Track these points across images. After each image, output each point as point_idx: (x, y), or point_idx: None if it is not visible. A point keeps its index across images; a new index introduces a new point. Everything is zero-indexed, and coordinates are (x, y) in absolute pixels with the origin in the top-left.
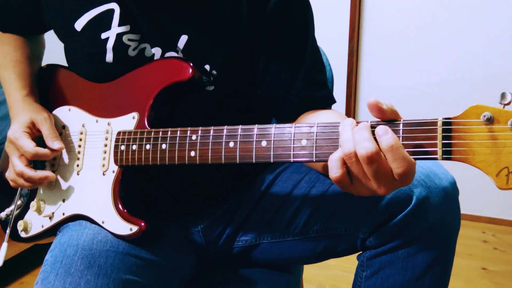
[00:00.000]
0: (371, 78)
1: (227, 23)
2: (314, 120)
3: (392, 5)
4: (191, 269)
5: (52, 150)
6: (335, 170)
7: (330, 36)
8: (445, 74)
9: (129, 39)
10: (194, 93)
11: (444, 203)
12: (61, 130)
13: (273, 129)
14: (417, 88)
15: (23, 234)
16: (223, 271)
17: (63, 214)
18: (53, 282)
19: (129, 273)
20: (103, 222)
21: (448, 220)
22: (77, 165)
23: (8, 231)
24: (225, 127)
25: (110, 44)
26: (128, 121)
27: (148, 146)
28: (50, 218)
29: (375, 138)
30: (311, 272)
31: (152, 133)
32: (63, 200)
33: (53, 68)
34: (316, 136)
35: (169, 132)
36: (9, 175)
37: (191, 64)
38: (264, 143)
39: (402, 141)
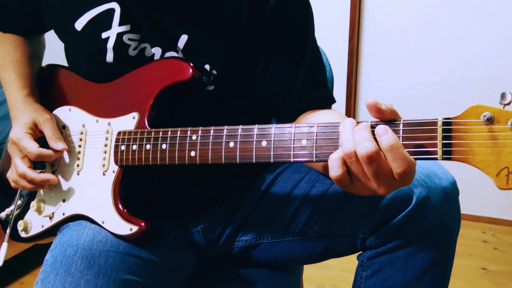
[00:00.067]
0: (371, 78)
1: (227, 23)
2: (314, 120)
3: (392, 5)
4: (191, 269)
5: (55, 151)
6: (335, 169)
7: (330, 36)
8: (445, 74)
9: (129, 39)
10: (194, 93)
11: (444, 203)
12: (61, 130)
13: (273, 129)
14: (417, 88)
15: (23, 234)
16: (223, 271)
17: (63, 214)
18: (53, 282)
19: (129, 273)
20: (103, 222)
21: (448, 220)
22: (77, 165)
23: (8, 231)
24: (225, 127)
25: (110, 44)
26: (128, 121)
27: (148, 146)
28: (50, 218)
29: (375, 138)
30: (311, 272)
31: (152, 133)
32: (63, 200)
33: (53, 68)
34: (316, 136)
35: (169, 132)
36: (11, 176)
37: (191, 64)
38: (264, 143)
39: (402, 141)
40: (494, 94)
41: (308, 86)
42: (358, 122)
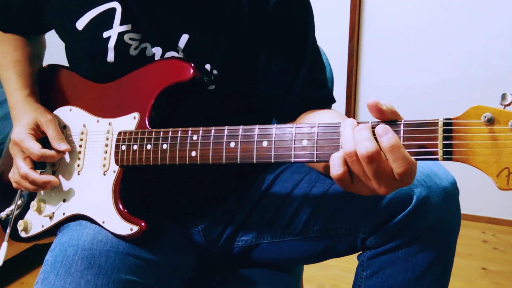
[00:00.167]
0: (371, 78)
1: (228, 23)
2: (314, 120)
3: (392, 5)
4: (191, 269)
5: (58, 151)
6: (336, 169)
7: (330, 36)
8: (445, 74)
9: (130, 38)
10: (195, 93)
11: (444, 203)
12: (62, 130)
13: (274, 129)
14: (417, 88)
15: (23, 234)
16: (223, 271)
17: (64, 214)
18: (53, 282)
19: (129, 273)
20: (103, 222)
21: (448, 220)
22: (78, 165)
23: (8, 231)
24: (226, 127)
25: (111, 43)
26: (129, 121)
27: (149, 146)
28: (51, 218)
29: (376, 138)
30: (311, 272)
31: (153, 133)
32: (64, 200)
33: (54, 68)
34: (317, 136)
35: (170, 132)
36: (13, 176)
37: (192, 65)
38: (265, 143)
39: (403, 141)
40: (494, 94)
41: (308, 86)
42: (359, 123)
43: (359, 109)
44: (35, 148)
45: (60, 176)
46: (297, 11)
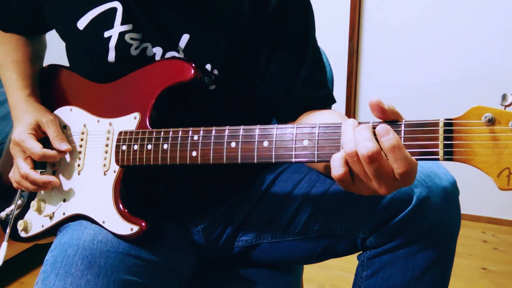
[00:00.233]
0: (371, 78)
1: (228, 23)
2: (314, 121)
3: (392, 5)
4: (191, 269)
5: (59, 151)
6: (337, 169)
7: (330, 36)
8: (445, 74)
9: (131, 38)
10: (195, 94)
11: (444, 203)
12: (62, 130)
13: (275, 129)
14: (417, 88)
15: (23, 234)
16: (223, 271)
17: (64, 214)
18: (54, 282)
19: (129, 273)
20: (103, 222)
21: (448, 220)
22: (78, 165)
23: (8, 230)
24: (227, 127)
25: (112, 43)
26: (129, 121)
27: (149, 146)
28: (51, 218)
29: (376, 139)
30: (311, 272)
31: (154, 133)
32: (64, 200)
33: (55, 68)
34: (317, 136)
35: (171, 132)
36: (13, 176)
37: (193, 65)
38: (266, 144)
39: (403, 141)
40: (494, 94)
41: (309, 86)
42: (359, 123)
43: (359, 109)
44: (36, 148)
45: (60, 176)
46: (298, 11)
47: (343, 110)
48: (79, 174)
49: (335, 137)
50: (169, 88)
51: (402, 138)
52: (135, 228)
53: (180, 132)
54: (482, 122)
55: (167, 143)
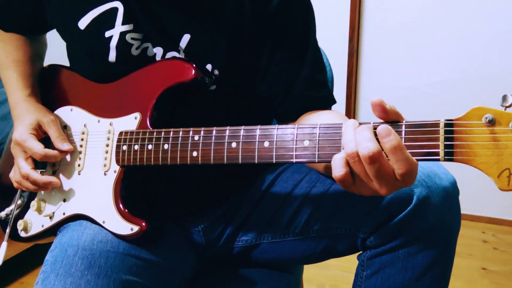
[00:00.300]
0: (371, 78)
1: (229, 23)
2: (315, 121)
3: (392, 5)
4: (191, 269)
5: (61, 151)
6: (338, 170)
7: (330, 36)
8: (445, 74)
9: (132, 38)
10: (196, 94)
11: (444, 203)
12: (62, 130)
13: (276, 130)
14: (417, 88)
15: (22, 234)
16: (223, 271)
17: (64, 214)
18: (54, 282)
19: (129, 273)
20: (103, 222)
21: (448, 220)
22: (79, 165)
23: (8, 230)
24: (228, 127)
25: (113, 43)
26: (130, 121)
27: (150, 146)
28: (51, 217)
29: (377, 139)
30: (311, 272)
31: (154, 133)
32: (64, 200)
33: (55, 68)
34: (318, 137)
35: (171, 133)
36: (14, 176)
37: (194, 65)
38: (266, 144)
39: (404, 142)
40: (494, 94)
41: (309, 86)
42: (360, 123)
43: (359, 109)
44: (38, 148)
45: (61, 176)
46: (298, 11)
47: (343, 110)
48: (79, 174)
49: (335, 138)
50: (169, 88)
51: (403, 139)
52: (135, 228)
53: (180, 132)
54: (482, 123)
55: (168, 143)
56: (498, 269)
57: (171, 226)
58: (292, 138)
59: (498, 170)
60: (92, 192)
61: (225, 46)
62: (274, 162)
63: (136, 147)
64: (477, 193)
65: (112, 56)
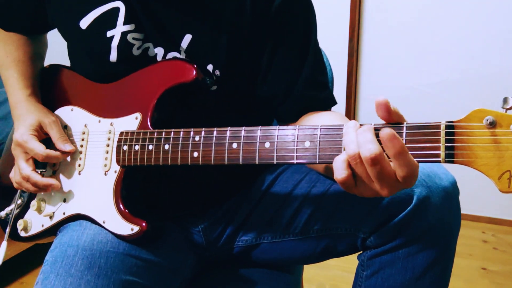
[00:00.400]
0: (371, 78)
1: (229, 23)
2: (315, 122)
3: (392, 5)
4: (191, 269)
5: (62, 152)
6: (340, 171)
7: (330, 36)
8: (445, 74)
9: (133, 38)
10: (197, 94)
11: (444, 203)
12: (63, 130)
13: (277, 131)
14: (417, 88)
15: (22, 234)
16: (223, 271)
17: (64, 213)
18: (53, 283)
19: (129, 274)
20: (104, 222)
21: (449, 220)
22: (79, 165)
23: (8, 230)
24: (229, 128)
25: (115, 43)
26: (131, 122)
27: (150, 147)
28: (51, 217)
29: (378, 141)
30: (311, 272)
31: (155, 134)
32: (64, 200)
33: (56, 68)
34: (319, 138)
35: (172, 133)
36: (14, 177)
37: (195, 66)
38: (267, 145)
39: (405, 143)
40: (494, 94)
41: (310, 86)
42: (361, 125)
43: (359, 110)
44: (40, 149)
45: (61, 176)
46: (300, 11)
47: (343, 110)
48: (79, 174)
49: (336, 139)
50: (170, 88)
51: (404, 140)
52: (136, 228)
53: (181, 133)
54: (483, 125)
55: (169, 144)
56: (498, 269)
57: (172, 226)
58: (293, 139)
59: (498, 172)
60: (93, 192)
61: (226, 46)
62: (275, 163)
63: (137, 147)
64: (477, 193)
65: (113, 56)
